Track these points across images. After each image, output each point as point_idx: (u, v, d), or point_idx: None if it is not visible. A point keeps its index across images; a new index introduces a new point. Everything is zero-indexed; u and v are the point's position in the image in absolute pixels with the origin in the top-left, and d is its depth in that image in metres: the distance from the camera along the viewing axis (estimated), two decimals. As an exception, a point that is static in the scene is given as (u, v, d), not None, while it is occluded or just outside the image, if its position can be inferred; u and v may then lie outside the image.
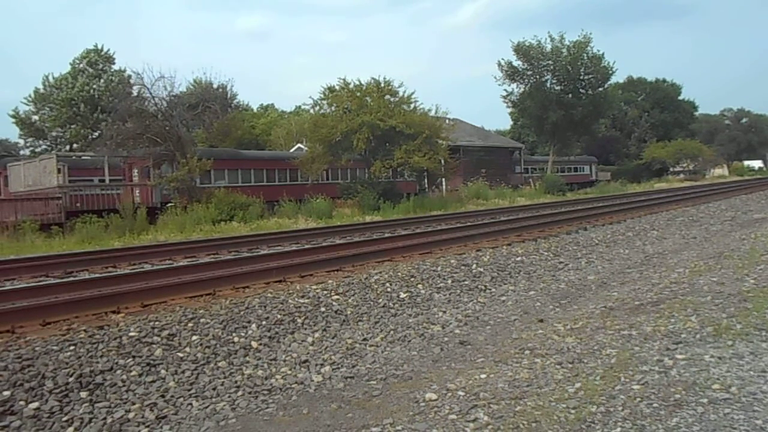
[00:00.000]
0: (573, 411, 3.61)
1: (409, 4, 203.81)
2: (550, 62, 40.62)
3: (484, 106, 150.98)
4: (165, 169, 23.50)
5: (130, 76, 29.04)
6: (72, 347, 4.92)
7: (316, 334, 5.79)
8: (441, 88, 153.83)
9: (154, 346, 5.11)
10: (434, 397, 4.11)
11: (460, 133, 37.01)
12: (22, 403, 4.08)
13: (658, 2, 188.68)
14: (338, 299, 6.83)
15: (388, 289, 7.42)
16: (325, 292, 7.07)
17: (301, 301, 6.65)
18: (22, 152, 41.74)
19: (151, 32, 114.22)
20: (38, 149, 40.67)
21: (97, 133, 36.30)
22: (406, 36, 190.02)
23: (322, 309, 6.45)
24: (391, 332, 5.98)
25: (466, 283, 8.04)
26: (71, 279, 8.56)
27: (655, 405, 3.58)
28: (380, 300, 6.99)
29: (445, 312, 6.76)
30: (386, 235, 14.29)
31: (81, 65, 40.93)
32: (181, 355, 5.04)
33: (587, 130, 46.36)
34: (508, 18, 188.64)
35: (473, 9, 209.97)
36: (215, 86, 31.53)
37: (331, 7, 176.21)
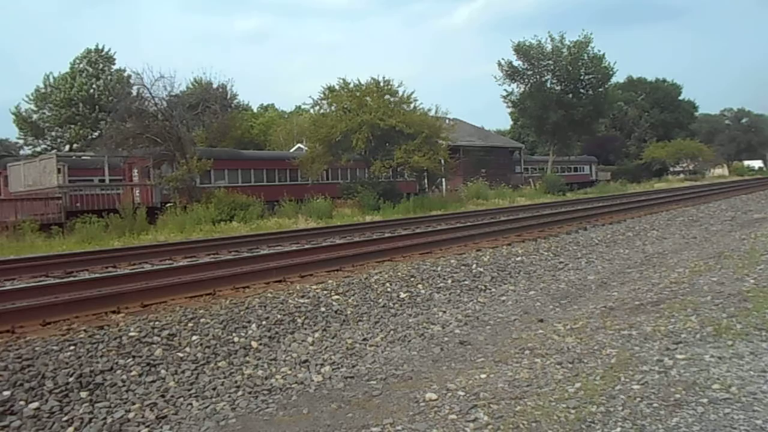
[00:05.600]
0: (573, 411, 3.61)
1: (403, 7, 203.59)
2: (550, 62, 40.61)
3: (484, 106, 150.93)
4: (165, 169, 23.50)
5: (129, 76, 29.07)
6: (72, 347, 4.92)
7: (316, 334, 5.79)
8: (440, 89, 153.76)
9: (154, 346, 5.11)
10: (434, 397, 4.11)
11: (460, 133, 37.00)
12: (22, 403, 4.08)
13: (658, 3, 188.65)
14: (338, 299, 6.83)
15: (388, 289, 7.42)
16: (325, 292, 7.07)
17: (301, 301, 6.65)
18: (22, 152, 41.72)
19: (151, 34, 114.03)
20: (38, 149, 40.66)
21: (96, 133, 36.32)
22: (402, 38, 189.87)
23: (322, 309, 6.45)
24: (391, 332, 5.97)
25: (466, 283, 8.04)
26: (71, 279, 8.56)
27: (655, 405, 3.58)
28: (380, 300, 6.99)
29: (445, 312, 6.76)
30: (386, 235, 14.29)
31: (81, 65, 40.96)
32: (181, 355, 5.04)
33: (587, 130, 46.34)
34: (506, 20, 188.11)
35: (468, 12, 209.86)
36: (215, 86, 31.58)
37: (326, 10, 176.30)
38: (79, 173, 23.68)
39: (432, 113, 29.38)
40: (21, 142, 43.19)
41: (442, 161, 27.83)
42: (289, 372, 4.92)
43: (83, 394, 4.27)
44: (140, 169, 24.12)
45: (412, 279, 7.97)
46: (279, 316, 6.08)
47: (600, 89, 42.19)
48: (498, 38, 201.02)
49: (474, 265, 8.99)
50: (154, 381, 4.57)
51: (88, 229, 16.52)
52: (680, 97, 67.61)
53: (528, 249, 10.62)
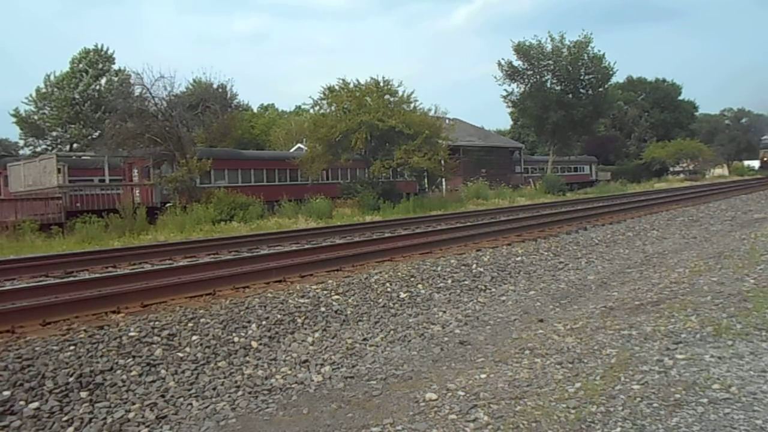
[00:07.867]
0: (573, 411, 3.61)
1: (402, 8, 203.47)
2: (550, 62, 40.56)
3: (484, 106, 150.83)
4: (165, 169, 23.52)
5: (129, 76, 29.05)
6: (72, 347, 4.92)
7: (316, 334, 5.79)
8: (440, 89, 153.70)
9: (154, 346, 5.12)
10: (434, 397, 4.11)
11: (460, 133, 37.02)
12: (22, 403, 4.08)
13: (658, 3, 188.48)
14: (338, 299, 6.83)
15: (388, 289, 7.42)
16: (325, 292, 7.07)
17: (301, 301, 6.65)
18: (22, 152, 41.69)
19: (151, 35, 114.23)
20: (38, 149, 40.63)
21: (97, 133, 36.33)
22: (401, 38, 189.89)
23: (322, 309, 6.45)
24: (391, 332, 5.98)
25: (466, 283, 8.04)
26: (71, 279, 8.56)
27: (655, 405, 3.58)
28: (380, 300, 6.99)
29: (445, 312, 6.76)
30: (386, 235, 14.29)
31: (80, 65, 40.95)
32: (181, 355, 5.04)
33: (587, 130, 46.31)
34: (504, 21, 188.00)
35: (466, 12, 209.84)
36: (215, 86, 31.52)
37: (325, 11, 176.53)
38: (79, 173, 23.70)
39: (432, 113, 29.50)
40: (21, 142, 43.22)
41: (442, 161, 27.81)
42: (289, 372, 4.92)
43: (83, 394, 4.27)
44: (140, 169, 24.14)
45: (412, 279, 7.97)
46: (279, 316, 6.08)
47: (600, 89, 42.12)
48: (497, 39, 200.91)
49: (474, 265, 8.99)
50: (154, 381, 4.57)
51: (88, 229, 16.52)
52: (680, 97, 67.63)
53: (528, 249, 10.62)
